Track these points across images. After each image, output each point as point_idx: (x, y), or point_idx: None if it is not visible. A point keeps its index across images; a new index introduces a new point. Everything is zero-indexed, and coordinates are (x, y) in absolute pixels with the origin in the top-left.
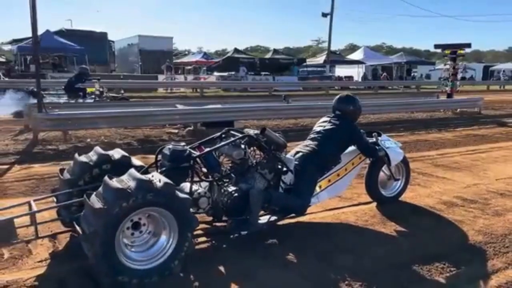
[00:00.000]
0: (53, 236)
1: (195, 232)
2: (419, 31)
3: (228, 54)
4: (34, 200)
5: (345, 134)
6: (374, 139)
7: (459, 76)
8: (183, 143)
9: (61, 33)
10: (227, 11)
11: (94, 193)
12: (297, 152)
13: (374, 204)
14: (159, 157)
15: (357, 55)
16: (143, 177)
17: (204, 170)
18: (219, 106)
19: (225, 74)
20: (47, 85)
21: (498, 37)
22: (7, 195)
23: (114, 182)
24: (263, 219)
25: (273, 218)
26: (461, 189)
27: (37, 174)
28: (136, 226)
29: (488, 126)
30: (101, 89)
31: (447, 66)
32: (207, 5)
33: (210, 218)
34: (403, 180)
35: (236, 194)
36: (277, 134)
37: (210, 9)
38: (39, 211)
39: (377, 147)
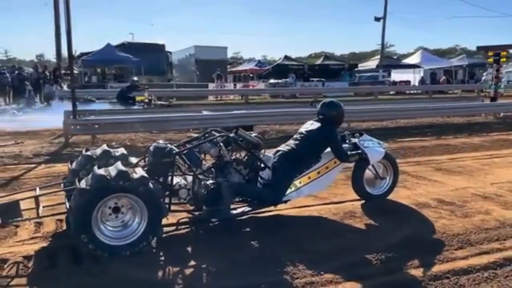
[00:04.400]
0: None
1: (182, 220)
2: (497, 32)
3: (278, 62)
4: (41, 187)
5: (321, 136)
6: (356, 140)
7: None
8: (164, 141)
9: (122, 46)
10: (290, 20)
11: (84, 178)
12: (278, 151)
13: (344, 203)
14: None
15: (414, 59)
16: (123, 168)
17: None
18: (242, 111)
19: (280, 81)
20: (104, 94)
21: None
22: (22, 188)
23: (99, 170)
24: (239, 210)
25: (247, 209)
26: (445, 192)
27: (56, 172)
28: (115, 210)
29: None
30: (149, 97)
31: (491, 69)
32: (273, 17)
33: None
34: (391, 178)
35: (212, 187)
36: (252, 135)
37: (274, 20)
38: (40, 195)
39: (349, 153)
